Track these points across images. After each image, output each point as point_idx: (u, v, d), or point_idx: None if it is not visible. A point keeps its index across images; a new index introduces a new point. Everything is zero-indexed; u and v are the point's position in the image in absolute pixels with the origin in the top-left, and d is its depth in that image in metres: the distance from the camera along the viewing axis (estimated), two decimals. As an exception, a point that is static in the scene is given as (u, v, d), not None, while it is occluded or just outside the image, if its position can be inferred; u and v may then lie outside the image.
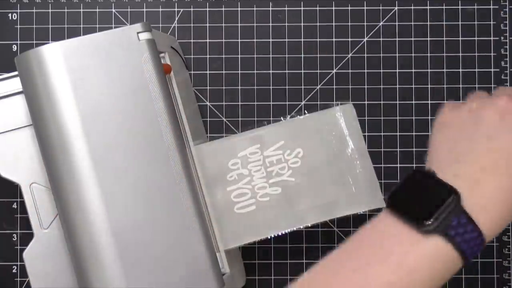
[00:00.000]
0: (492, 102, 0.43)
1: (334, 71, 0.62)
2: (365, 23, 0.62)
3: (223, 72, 0.62)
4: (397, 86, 0.62)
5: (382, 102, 0.62)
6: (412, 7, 0.62)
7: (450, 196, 0.39)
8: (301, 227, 0.52)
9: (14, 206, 0.61)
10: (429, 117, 0.61)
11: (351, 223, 0.61)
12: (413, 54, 0.62)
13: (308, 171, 0.53)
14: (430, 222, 0.38)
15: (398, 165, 0.61)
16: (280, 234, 0.53)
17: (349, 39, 0.62)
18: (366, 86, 0.62)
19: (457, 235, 0.39)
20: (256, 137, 0.54)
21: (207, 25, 0.62)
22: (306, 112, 0.54)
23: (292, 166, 0.53)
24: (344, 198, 0.53)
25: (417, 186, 0.41)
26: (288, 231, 0.53)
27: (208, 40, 0.62)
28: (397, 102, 0.62)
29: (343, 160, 0.53)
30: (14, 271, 0.60)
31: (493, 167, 0.40)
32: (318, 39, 0.62)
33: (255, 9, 0.62)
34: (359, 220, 0.61)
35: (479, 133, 0.42)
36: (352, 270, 0.39)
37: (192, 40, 0.62)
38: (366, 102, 0.62)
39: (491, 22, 0.62)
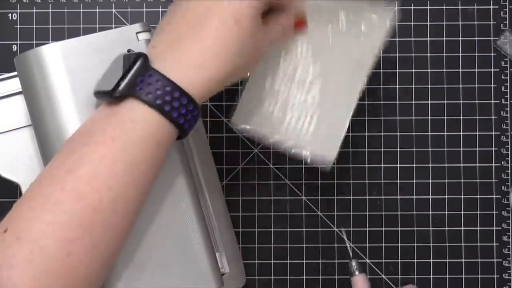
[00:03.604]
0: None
1: (334, 71, 0.62)
2: (365, 23, 0.62)
3: (223, 72, 0.62)
4: (397, 86, 0.62)
5: (382, 102, 0.62)
6: (412, 7, 0.62)
7: (138, 59, 0.40)
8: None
9: (14, 206, 0.61)
10: (429, 117, 0.61)
11: (351, 223, 0.61)
12: (413, 54, 0.62)
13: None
14: (120, 87, 0.40)
15: (398, 165, 0.61)
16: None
17: (349, 39, 0.62)
18: (366, 86, 0.62)
19: (149, 93, 0.40)
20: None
21: (207, 25, 0.62)
22: None
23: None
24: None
25: (118, 65, 0.42)
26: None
27: (208, 40, 0.62)
28: (397, 102, 0.62)
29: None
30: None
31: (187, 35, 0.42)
32: (318, 39, 0.62)
33: (255, 9, 0.62)
34: (359, 219, 0.61)
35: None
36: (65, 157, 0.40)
37: (192, 40, 0.62)
38: (366, 102, 0.61)
39: (491, 22, 0.62)
